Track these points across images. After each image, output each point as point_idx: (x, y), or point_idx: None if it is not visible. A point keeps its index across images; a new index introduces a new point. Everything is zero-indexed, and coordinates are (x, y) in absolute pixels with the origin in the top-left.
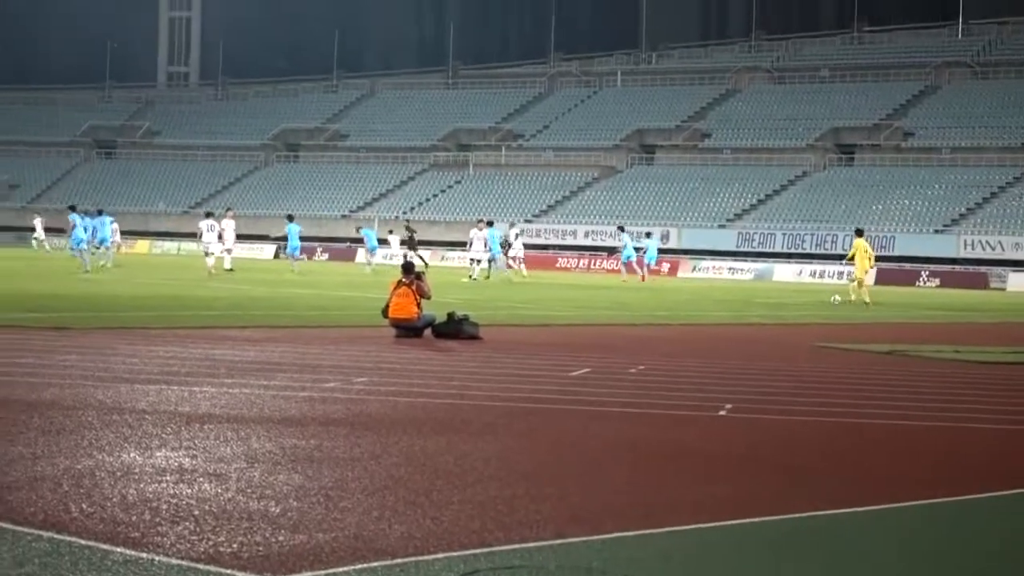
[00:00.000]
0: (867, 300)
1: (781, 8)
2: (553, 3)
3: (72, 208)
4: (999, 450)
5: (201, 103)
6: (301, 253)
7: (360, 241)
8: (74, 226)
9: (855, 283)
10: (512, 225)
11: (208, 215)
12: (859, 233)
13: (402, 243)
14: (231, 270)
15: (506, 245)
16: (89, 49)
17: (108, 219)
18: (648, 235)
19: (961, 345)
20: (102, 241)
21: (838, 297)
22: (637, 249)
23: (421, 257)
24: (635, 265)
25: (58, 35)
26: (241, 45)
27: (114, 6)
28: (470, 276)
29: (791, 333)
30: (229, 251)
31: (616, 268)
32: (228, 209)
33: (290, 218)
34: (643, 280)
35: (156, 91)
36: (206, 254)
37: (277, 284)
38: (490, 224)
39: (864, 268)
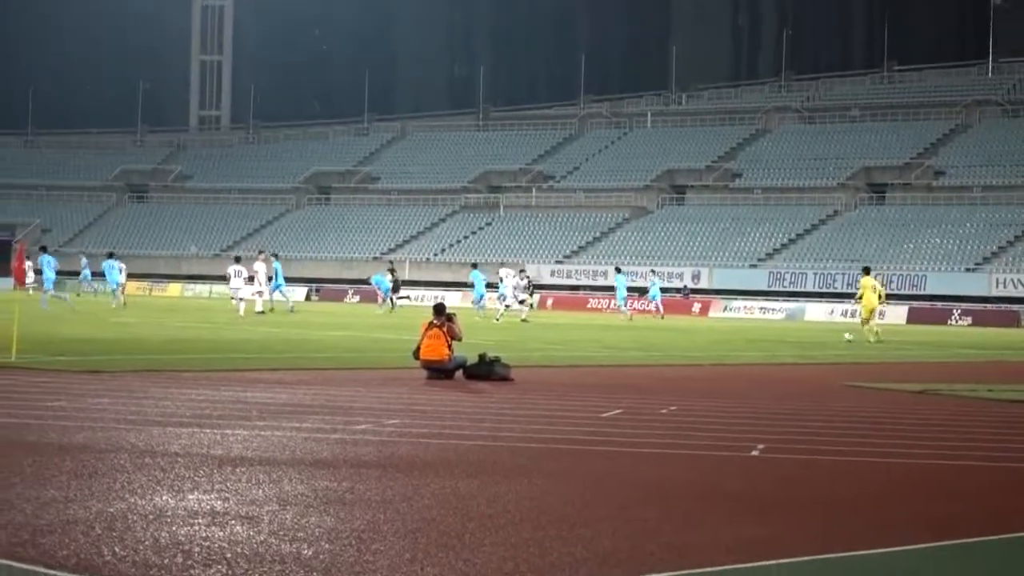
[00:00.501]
0: (872, 338)
1: (811, 48)
2: (583, 45)
3: (110, 255)
4: None
5: (233, 146)
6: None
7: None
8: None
9: (863, 321)
10: (502, 266)
11: (237, 260)
12: (866, 271)
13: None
14: (262, 312)
15: (529, 287)
16: (121, 93)
17: (116, 262)
18: (653, 272)
19: (995, 384)
20: (113, 285)
21: (849, 335)
22: (643, 290)
23: (397, 298)
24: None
25: (90, 79)
26: (272, 88)
27: (146, 50)
28: (495, 319)
29: (823, 373)
30: (260, 293)
31: (647, 309)
32: (260, 252)
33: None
34: (630, 319)
35: (188, 135)
36: (234, 299)
37: (309, 326)
38: (474, 266)
39: (871, 306)
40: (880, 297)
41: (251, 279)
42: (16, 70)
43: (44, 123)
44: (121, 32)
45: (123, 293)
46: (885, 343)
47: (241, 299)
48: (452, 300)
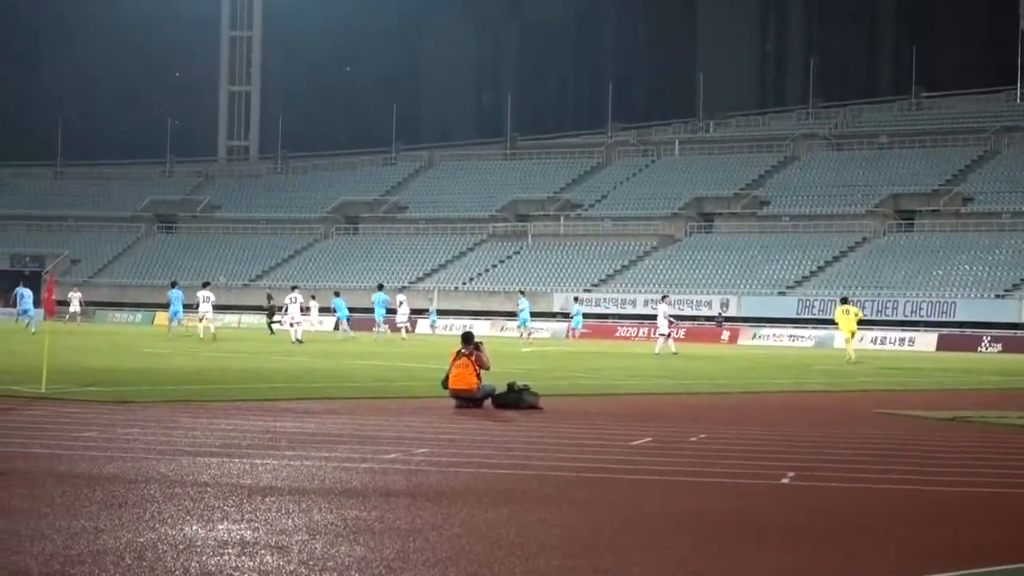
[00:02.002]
0: (851, 357)
1: (838, 75)
2: (610, 73)
3: (173, 284)
4: None
5: (261, 176)
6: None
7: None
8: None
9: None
10: (401, 290)
11: (293, 288)
12: (844, 301)
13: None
14: (300, 342)
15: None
16: (150, 124)
17: (179, 292)
18: (576, 299)
19: None
20: (175, 313)
21: (851, 357)
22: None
23: (271, 324)
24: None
25: (119, 111)
26: (300, 119)
27: (174, 81)
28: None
29: (853, 400)
30: (292, 324)
31: (676, 337)
32: (293, 288)
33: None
34: (529, 343)
35: (216, 165)
36: (291, 326)
37: (337, 356)
38: (380, 287)
39: (848, 330)
40: (853, 320)
41: (307, 309)
42: (45, 103)
43: (73, 155)
44: (149, 64)
45: (202, 322)
46: (860, 365)
47: (294, 324)
48: (480, 329)
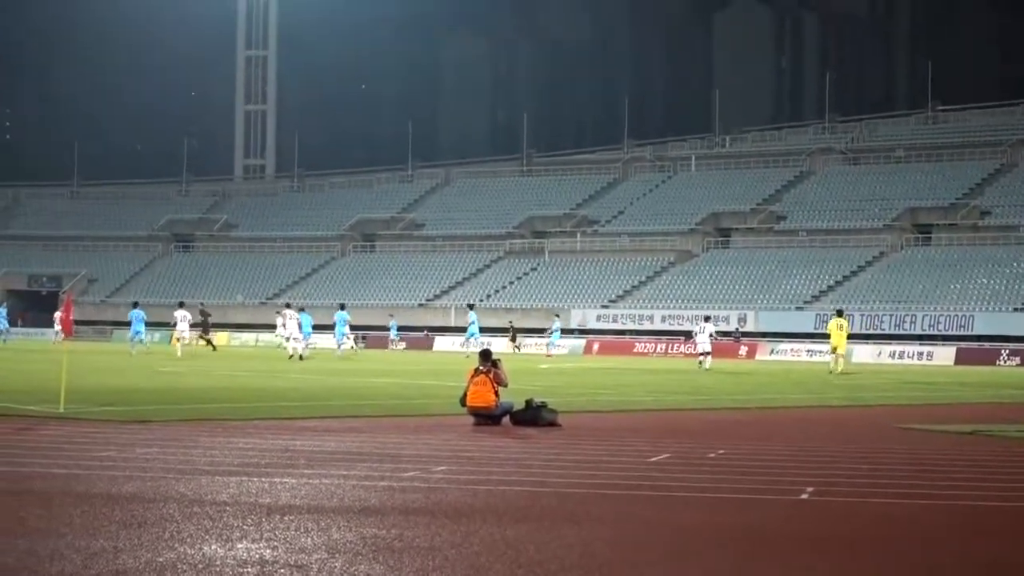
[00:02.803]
0: (839, 370)
1: (854, 89)
2: (626, 89)
3: (134, 304)
4: None
5: (277, 195)
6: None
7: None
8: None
9: (836, 355)
10: (342, 307)
11: (287, 305)
12: (839, 313)
13: (192, 325)
14: (300, 358)
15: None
16: (166, 144)
17: (141, 313)
18: (557, 316)
19: None
20: (136, 333)
21: (838, 369)
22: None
23: (209, 341)
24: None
25: (135, 131)
26: (316, 137)
27: (191, 101)
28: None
29: (871, 415)
30: (297, 340)
31: (694, 353)
32: (287, 305)
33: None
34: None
35: (233, 184)
36: (288, 342)
37: (355, 373)
38: (342, 307)
39: (842, 344)
40: (841, 334)
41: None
42: (62, 123)
43: (90, 175)
44: (165, 84)
45: (179, 342)
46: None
47: (292, 339)
48: (498, 346)
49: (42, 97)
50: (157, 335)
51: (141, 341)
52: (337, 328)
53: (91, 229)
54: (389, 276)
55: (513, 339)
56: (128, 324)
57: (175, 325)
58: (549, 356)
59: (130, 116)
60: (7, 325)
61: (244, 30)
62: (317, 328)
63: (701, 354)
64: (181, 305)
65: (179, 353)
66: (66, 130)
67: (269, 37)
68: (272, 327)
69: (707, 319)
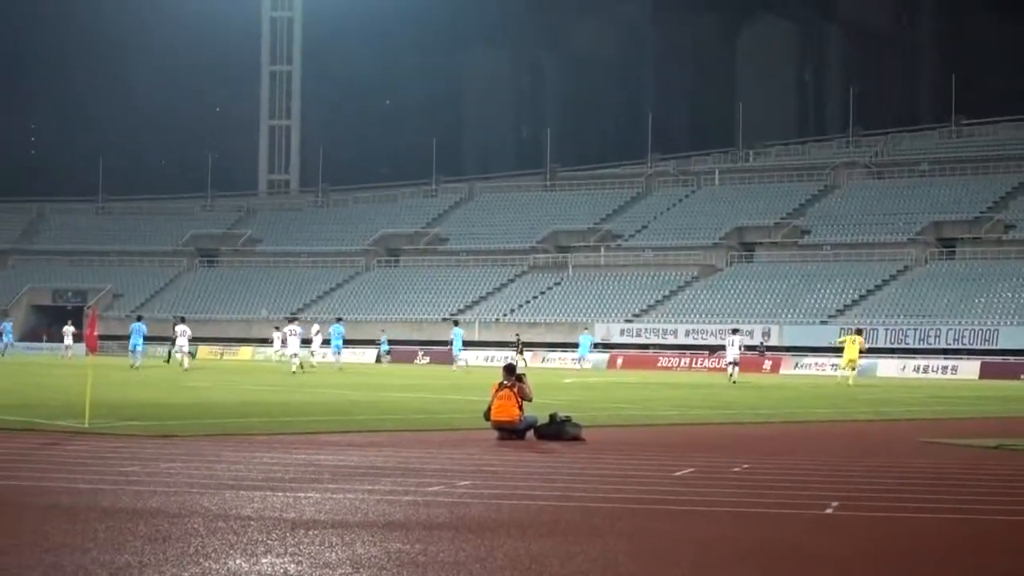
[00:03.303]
0: (850, 382)
1: (878, 103)
2: (649, 104)
3: (139, 318)
4: None
5: (302, 210)
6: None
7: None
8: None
9: (847, 368)
10: (339, 321)
11: (290, 320)
12: (859, 332)
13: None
14: (303, 370)
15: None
16: (191, 159)
17: (142, 326)
18: (586, 329)
19: None
20: (135, 346)
21: (849, 380)
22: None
23: (170, 354)
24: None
25: (160, 146)
26: (340, 152)
27: (215, 116)
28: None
29: (896, 429)
30: (290, 355)
31: (719, 367)
32: (290, 320)
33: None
34: (455, 370)
35: (257, 199)
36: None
37: (379, 388)
38: (339, 320)
39: (851, 357)
40: (857, 349)
41: (308, 341)
42: (87, 138)
43: (115, 190)
44: (190, 99)
45: (179, 355)
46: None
47: (294, 356)
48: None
49: (67, 113)
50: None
51: (142, 353)
52: (333, 341)
53: (116, 244)
54: (413, 291)
55: (520, 352)
56: (127, 337)
57: (174, 340)
58: (580, 369)
59: (155, 131)
60: (11, 339)
61: (269, 45)
62: (353, 343)
63: (730, 364)
64: (182, 320)
65: (185, 365)
66: (91, 145)
67: (294, 52)
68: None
69: (735, 331)
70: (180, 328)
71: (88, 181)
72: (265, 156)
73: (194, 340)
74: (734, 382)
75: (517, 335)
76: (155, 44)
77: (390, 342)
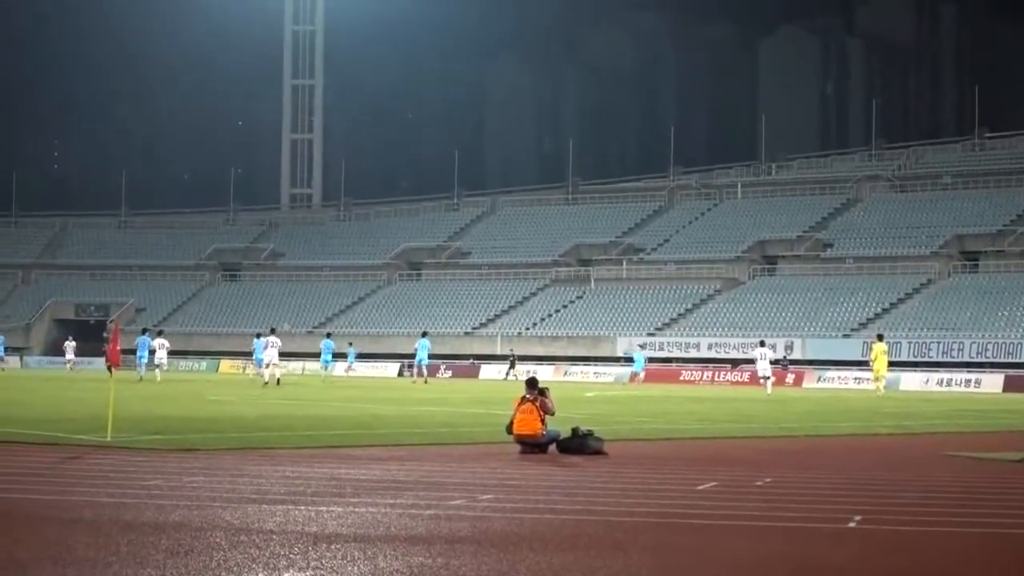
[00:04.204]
0: (880, 392)
1: (901, 116)
2: (671, 117)
3: (144, 331)
4: None
5: (324, 224)
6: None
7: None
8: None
9: (879, 381)
10: (328, 336)
11: (272, 331)
12: (880, 338)
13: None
14: (266, 384)
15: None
16: (213, 173)
17: (148, 339)
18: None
19: None
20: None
21: (880, 391)
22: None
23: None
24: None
25: (182, 160)
26: (362, 166)
27: (237, 130)
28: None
29: (920, 443)
30: (267, 365)
31: (741, 380)
32: (272, 331)
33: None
34: (424, 383)
35: (280, 213)
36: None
37: (401, 402)
38: (328, 335)
39: (880, 368)
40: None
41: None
42: (110, 153)
43: (138, 204)
44: (212, 113)
45: (158, 368)
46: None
47: (269, 365)
48: (544, 374)
49: (89, 128)
50: (204, 363)
51: (147, 366)
52: (323, 355)
53: (139, 258)
54: (435, 304)
55: (512, 366)
56: (133, 351)
57: (153, 352)
58: (633, 383)
59: (177, 145)
60: (2, 353)
61: (291, 59)
62: (362, 357)
63: (764, 378)
64: (159, 333)
65: (158, 378)
66: (114, 160)
67: (316, 66)
68: (316, 355)
69: (762, 343)
70: (158, 341)
71: (110, 195)
72: (287, 170)
73: (216, 354)
74: (768, 394)
75: (511, 350)
76: (177, 59)
77: (412, 357)
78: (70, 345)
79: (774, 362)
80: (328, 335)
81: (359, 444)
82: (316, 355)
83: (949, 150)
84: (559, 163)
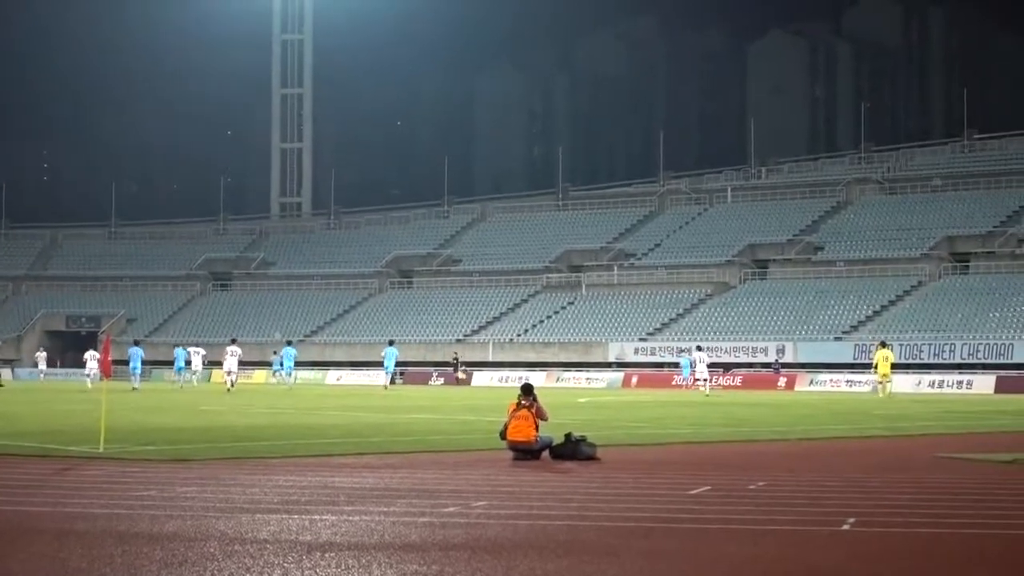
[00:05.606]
0: (888, 394)
1: (890, 119)
2: (661, 122)
3: (136, 342)
4: None
5: (314, 233)
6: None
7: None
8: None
9: (883, 384)
10: (289, 344)
11: (233, 341)
12: (883, 345)
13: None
14: (229, 390)
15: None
16: (203, 183)
17: (140, 350)
18: (700, 348)
19: None
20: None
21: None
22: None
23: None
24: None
25: (172, 171)
26: (352, 173)
27: (227, 140)
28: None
29: (912, 444)
30: (230, 373)
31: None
32: (233, 341)
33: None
34: (384, 389)
35: (270, 222)
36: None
37: (393, 410)
38: (289, 343)
39: (884, 372)
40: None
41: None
42: (100, 164)
43: (128, 215)
44: (201, 124)
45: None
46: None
47: (229, 373)
48: (536, 380)
49: (79, 139)
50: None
51: (140, 376)
52: (285, 362)
53: (129, 269)
54: (426, 312)
55: (456, 370)
56: (126, 362)
57: (128, 362)
58: (703, 388)
59: (167, 156)
60: (287, 366)
61: (280, 68)
62: (366, 364)
63: (702, 380)
64: (136, 343)
65: (135, 386)
66: (104, 171)
67: (305, 75)
68: (309, 364)
69: (699, 348)
70: (133, 350)
71: (101, 207)
72: (277, 179)
73: (208, 364)
74: (707, 395)
75: (455, 354)
76: (166, 69)
77: (404, 364)
78: (41, 356)
79: (765, 366)
80: (288, 343)
81: (352, 452)
82: (307, 364)
83: (938, 152)
84: (549, 169)
